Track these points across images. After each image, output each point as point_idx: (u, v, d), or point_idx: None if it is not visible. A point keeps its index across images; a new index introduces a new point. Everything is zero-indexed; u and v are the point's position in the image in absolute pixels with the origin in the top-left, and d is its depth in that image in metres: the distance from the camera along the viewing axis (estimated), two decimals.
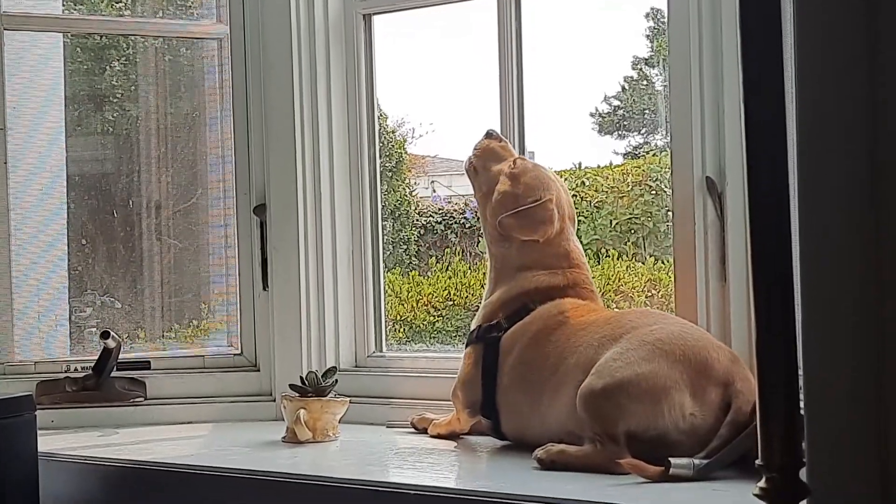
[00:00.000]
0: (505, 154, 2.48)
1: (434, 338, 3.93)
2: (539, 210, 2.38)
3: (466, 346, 2.45)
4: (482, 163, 2.49)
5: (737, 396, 2.01)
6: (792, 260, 1.45)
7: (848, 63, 1.46)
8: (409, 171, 4.52)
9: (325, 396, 2.51)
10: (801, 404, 1.49)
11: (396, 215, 4.25)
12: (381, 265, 2.93)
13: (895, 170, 1.44)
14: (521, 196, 2.40)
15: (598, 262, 3.75)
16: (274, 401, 2.83)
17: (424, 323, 3.97)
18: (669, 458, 1.93)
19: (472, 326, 2.46)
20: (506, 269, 2.43)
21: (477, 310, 2.51)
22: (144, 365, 2.89)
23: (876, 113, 1.44)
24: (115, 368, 2.82)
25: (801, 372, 1.50)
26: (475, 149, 2.51)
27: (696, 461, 1.94)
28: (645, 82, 4.49)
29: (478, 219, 2.57)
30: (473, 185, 2.52)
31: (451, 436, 2.47)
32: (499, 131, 2.57)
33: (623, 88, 4.58)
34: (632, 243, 3.78)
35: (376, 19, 2.93)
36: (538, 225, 2.38)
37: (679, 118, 2.42)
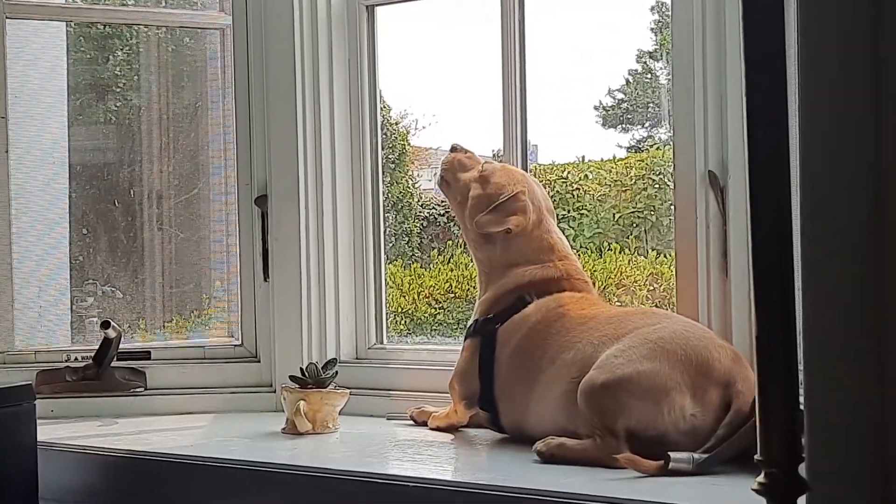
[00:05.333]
0: (472, 163, 2.53)
1: (435, 330, 3.92)
2: (511, 202, 2.41)
3: (465, 340, 2.46)
4: (451, 175, 2.53)
5: (737, 397, 2.00)
6: (793, 254, 1.45)
7: (851, 54, 1.45)
8: (412, 162, 4.51)
9: (326, 388, 2.50)
10: (801, 399, 1.49)
11: (399, 207, 4.24)
12: (383, 257, 2.93)
13: None
14: (494, 195, 2.43)
15: (601, 255, 3.74)
16: (274, 392, 2.82)
17: (426, 315, 3.97)
18: (669, 453, 1.93)
19: (470, 322, 2.47)
20: (495, 270, 2.45)
21: None
22: (145, 355, 2.89)
23: (879, 105, 1.44)
24: (115, 358, 2.82)
25: (801, 367, 1.49)
26: (442, 164, 2.56)
27: (696, 456, 1.94)
28: (649, 76, 4.47)
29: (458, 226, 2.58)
30: (448, 198, 2.58)
31: (451, 428, 2.47)
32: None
33: (627, 82, 4.56)
34: (634, 237, 3.77)
35: (379, 10, 2.92)
36: (511, 215, 2.40)
37: (682, 112, 2.42)
